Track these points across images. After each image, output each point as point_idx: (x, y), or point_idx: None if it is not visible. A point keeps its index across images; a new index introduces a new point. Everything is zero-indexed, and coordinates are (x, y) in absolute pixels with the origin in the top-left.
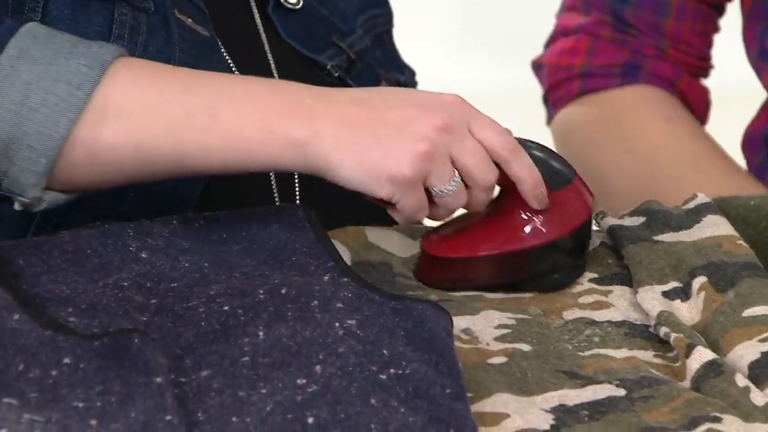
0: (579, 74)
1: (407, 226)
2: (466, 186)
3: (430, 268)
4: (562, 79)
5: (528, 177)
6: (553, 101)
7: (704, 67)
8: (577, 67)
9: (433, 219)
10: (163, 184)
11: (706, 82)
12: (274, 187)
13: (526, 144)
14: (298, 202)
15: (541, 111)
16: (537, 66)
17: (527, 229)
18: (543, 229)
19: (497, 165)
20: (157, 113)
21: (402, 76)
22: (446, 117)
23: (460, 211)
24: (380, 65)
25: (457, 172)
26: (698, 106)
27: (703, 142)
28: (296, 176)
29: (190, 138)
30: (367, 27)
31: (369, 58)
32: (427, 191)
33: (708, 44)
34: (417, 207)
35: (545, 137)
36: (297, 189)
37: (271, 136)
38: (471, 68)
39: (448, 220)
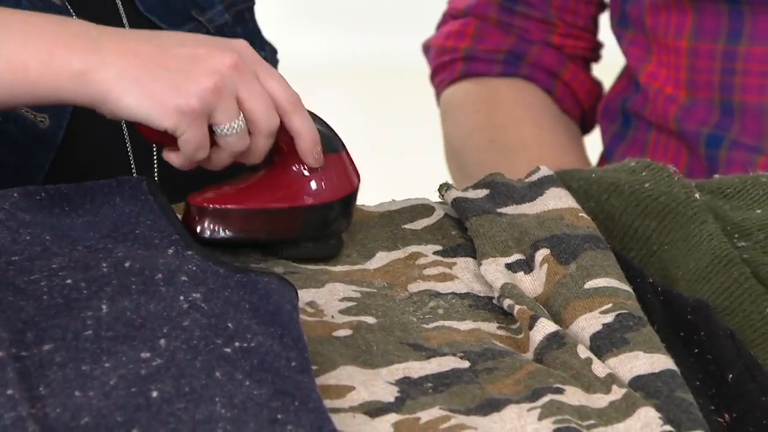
0: (463, 57)
1: None
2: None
3: (193, 219)
4: (446, 61)
5: (307, 132)
6: (437, 83)
7: (591, 44)
8: (462, 50)
9: (212, 166)
10: (11, 157)
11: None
12: (132, 164)
13: None
14: (156, 175)
15: (370, 81)
16: (426, 48)
17: (295, 188)
18: (311, 191)
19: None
20: None
21: (263, 52)
22: (237, 58)
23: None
24: None
25: (242, 114)
26: (585, 98)
27: (568, 154)
28: (155, 152)
29: None
30: (227, 3)
31: (229, 34)
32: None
33: (592, 16)
34: (199, 143)
35: (381, 106)
36: (155, 164)
37: (53, 67)
38: (307, 40)
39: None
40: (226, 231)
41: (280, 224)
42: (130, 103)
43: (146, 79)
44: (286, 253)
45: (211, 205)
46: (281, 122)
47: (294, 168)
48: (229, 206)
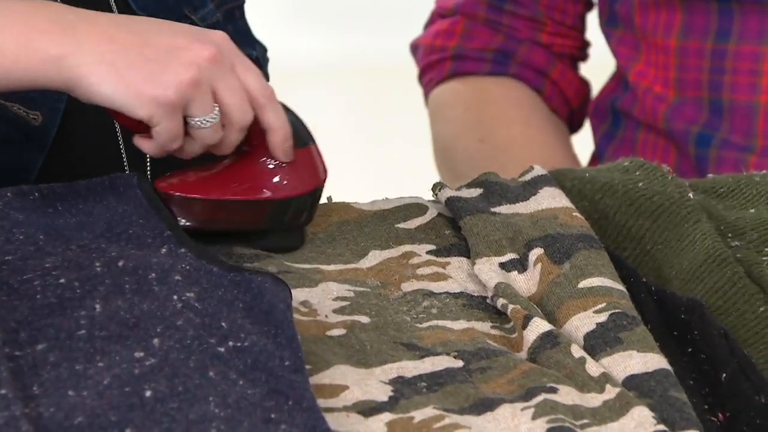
0: (452, 56)
1: None
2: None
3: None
4: (435, 60)
5: (280, 127)
6: (425, 82)
7: (579, 43)
8: (450, 49)
9: (183, 155)
10: (3, 155)
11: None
12: (125, 160)
13: None
14: (149, 171)
15: (364, 80)
16: (414, 47)
17: (263, 180)
18: (279, 185)
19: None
20: None
21: (254, 51)
22: (216, 50)
23: None
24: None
25: (217, 107)
26: (573, 97)
27: (557, 153)
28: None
29: None
30: (218, 2)
31: None
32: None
33: (580, 14)
34: (173, 134)
35: (379, 106)
36: (148, 160)
37: (29, 52)
38: (302, 40)
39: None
40: (191, 219)
41: (246, 216)
42: (106, 91)
43: (123, 66)
44: (252, 243)
45: (176, 193)
46: (254, 116)
47: (263, 160)
48: (195, 195)
